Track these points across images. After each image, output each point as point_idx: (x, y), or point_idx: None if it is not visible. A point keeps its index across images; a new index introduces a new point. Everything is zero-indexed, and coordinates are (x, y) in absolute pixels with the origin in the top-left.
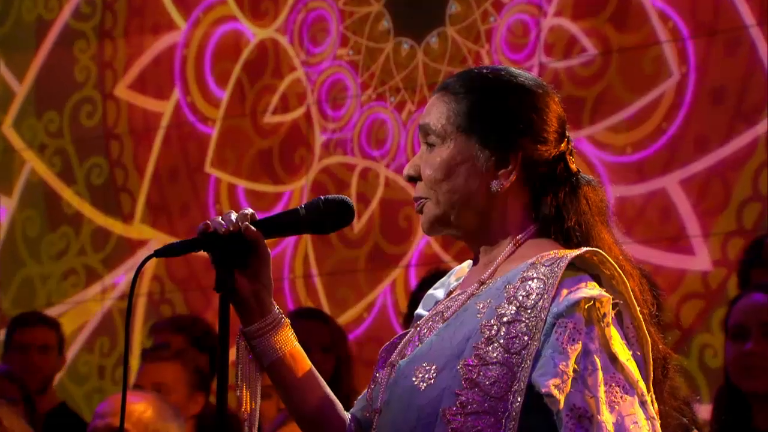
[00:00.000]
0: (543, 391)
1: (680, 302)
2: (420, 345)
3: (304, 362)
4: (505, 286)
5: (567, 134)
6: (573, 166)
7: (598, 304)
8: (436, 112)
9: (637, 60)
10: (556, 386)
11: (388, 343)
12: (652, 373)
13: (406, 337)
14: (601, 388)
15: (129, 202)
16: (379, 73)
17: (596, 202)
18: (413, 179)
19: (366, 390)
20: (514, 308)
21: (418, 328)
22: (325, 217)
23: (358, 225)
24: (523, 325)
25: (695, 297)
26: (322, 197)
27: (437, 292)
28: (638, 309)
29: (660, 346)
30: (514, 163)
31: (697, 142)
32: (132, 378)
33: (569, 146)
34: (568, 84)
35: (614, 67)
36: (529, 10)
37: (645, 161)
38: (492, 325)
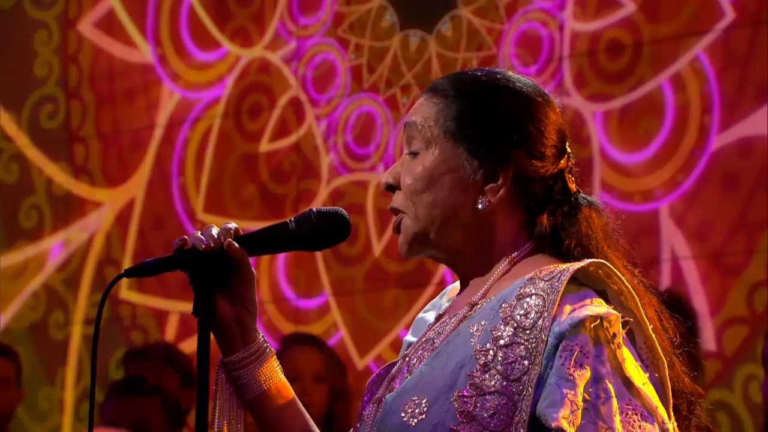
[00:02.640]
0: (552, 425)
1: (721, 328)
2: (409, 377)
3: (289, 398)
4: (501, 305)
5: (567, 149)
6: (572, 186)
7: (606, 323)
8: (424, 113)
9: (672, 53)
10: (566, 418)
11: (374, 375)
12: (671, 398)
13: (394, 369)
14: (617, 418)
15: (96, 213)
16: (387, 73)
17: (600, 225)
18: (392, 188)
19: (351, 430)
20: (511, 329)
21: (407, 358)
22: (317, 231)
23: (378, 247)
24: (522, 347)
25: (738, 322)
26: (314, 209)
27: (428, 315)
28: (650, 327)
29: (686, 380)
30: (504, 178)
31: (742, 150)
32: (96, 414)
33: (569, 163)
34: (594, 79)
35: (647, 60)
36: None
37: (683, 169)
38: (487, 350)
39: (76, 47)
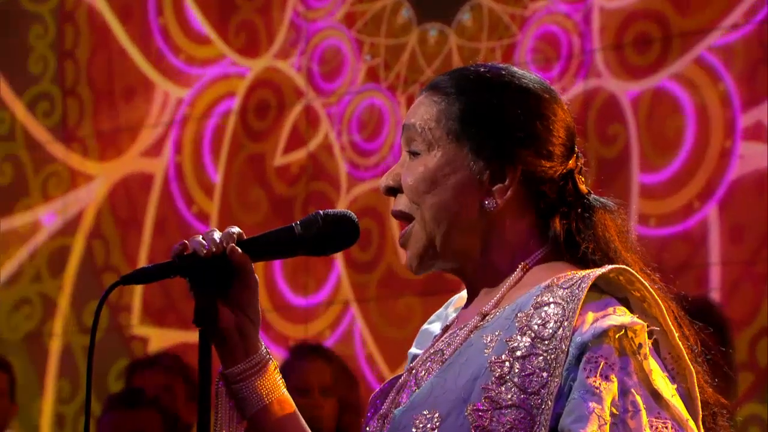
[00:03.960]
0: None
1: (755, 338)
2: (417, 390)
3: (292, 413)
4: (516, 315)
5: (576, 149)
6: (583, 187)
7: (630, 333)
8: (425, 113)
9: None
10: None
11: (378, 389)
12: (700, 410)
13: (399, 382)
14: None
15: (93, 220)
16: (405, 71)
17: (616, 228)
18: (392, 191)
19: None
20: (529, 340)
21: (414, 371)
22: (325, 235)
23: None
24: (540, 359)
25: None
26: (321, 212)
27: (433, 326)
28: (677, 336)
29: (709, 391)
30: (512, 178)
31: None
32: (93, 427)
33: (578, 163)
34: (617, 69)
35: (675, 54)
36: None
37: (714, 174)
38: (503, 362)
39: (73, 42)
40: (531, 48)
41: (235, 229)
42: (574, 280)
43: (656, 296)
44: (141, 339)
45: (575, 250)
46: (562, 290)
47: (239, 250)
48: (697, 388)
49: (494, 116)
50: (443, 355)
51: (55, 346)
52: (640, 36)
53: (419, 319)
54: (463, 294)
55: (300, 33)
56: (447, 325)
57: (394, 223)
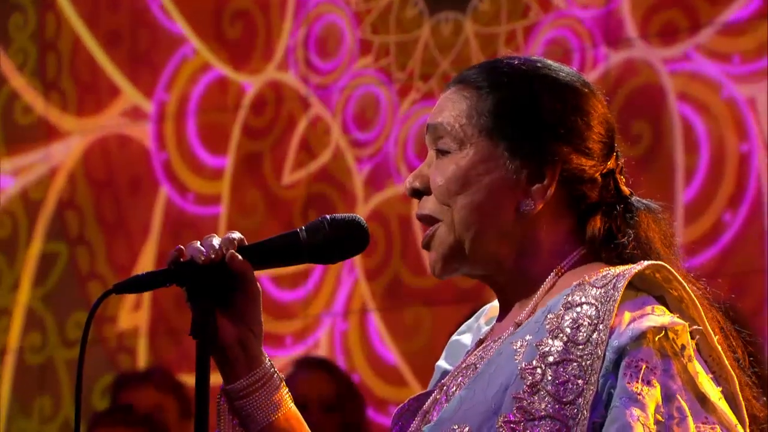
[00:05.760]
0: None
1: None
2: (446, 405)
3: (301, 429)
4: (546, 316)
5: (616, 147)
6: (624, 188)
7: (671, 334)
8: (453, 110)
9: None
10: None
11: (402, 405)
12: (746, 416)
13: (430, 399)
14: None
15: (76, 222)
16: (420, 67)
17: (659, 231)
18: (418, 194)
19: None
20: (561, 344)
21: (445, 387)
22: (331, 242)
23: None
24: (574, 365)
25: None
26: (327, 216)
27: (463, 337)
28: (716, 339)
29: (756, 405)
30: (551, 177)
31: None
32: None
33: (619, 162)
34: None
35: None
36: None
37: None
38: (534, 368)
39: (55, 32)
40: (549, 37)
41: (236, 235)
42: (608, 278)
43: (693, 296)
44: (128, 351)
45: (612, 249)
46: (595, 289)
47: (240, 257)
48: (740, 393)
49: (531, 111)
50: (475, 368)
51: (35, 361)
52: (667, 25)
53: (427, 331)
54: (495, 304)
55: (301, 13)
56: (480, 339)
57: (400, 228)
